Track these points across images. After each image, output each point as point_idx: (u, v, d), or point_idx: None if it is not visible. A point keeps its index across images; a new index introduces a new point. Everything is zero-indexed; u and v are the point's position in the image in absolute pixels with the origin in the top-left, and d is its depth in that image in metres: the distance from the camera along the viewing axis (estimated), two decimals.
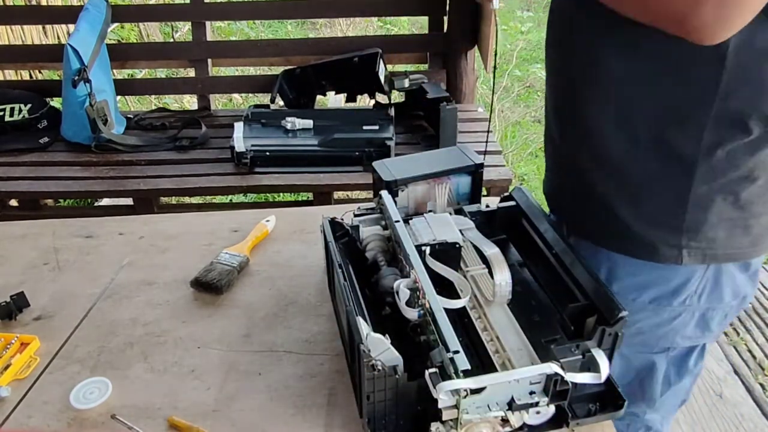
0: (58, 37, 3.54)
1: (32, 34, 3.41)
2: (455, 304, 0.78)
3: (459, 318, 0.82)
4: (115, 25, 3.55)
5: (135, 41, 4.10)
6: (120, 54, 2.54)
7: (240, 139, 2.13)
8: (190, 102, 3.52)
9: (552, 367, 0.68)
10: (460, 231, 0.88)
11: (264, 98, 2.60)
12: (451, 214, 0.94)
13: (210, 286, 1.02)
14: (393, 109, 2.30)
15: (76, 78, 2.17)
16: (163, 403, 0.83)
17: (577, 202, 0.92)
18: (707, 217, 0.80)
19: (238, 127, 2.18)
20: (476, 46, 2.52)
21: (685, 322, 0.89)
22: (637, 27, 0.68)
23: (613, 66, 0.76)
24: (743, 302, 0.91)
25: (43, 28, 3.48)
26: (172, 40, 4.16)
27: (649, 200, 0.82)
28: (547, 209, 0.95)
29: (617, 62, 0.75)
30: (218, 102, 3.69)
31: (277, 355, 0.90)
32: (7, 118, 2.33)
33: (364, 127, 2.18)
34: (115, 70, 2.52)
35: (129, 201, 2.22)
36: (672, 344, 0.92)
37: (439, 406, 0.66)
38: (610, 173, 0.83)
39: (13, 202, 2.43)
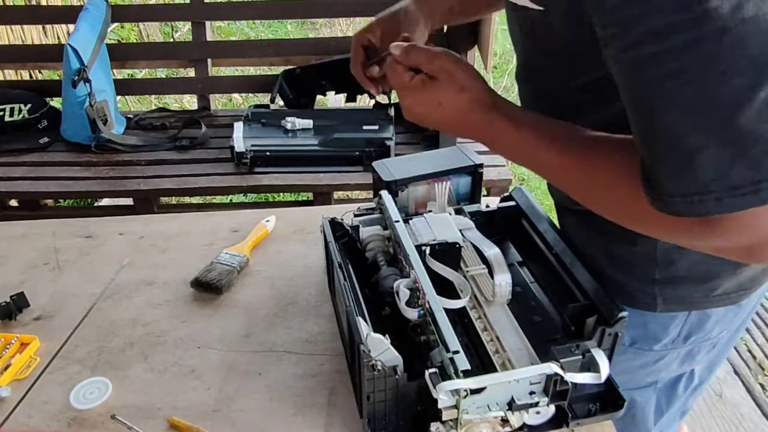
0: (58, 37, 3.54)
1: (32, 34, 3.40)
2: (455, 304, 0.78)
3: (459, 318, 0.82)
4: (115, 25, 3.54)
5: (135, 41, 4.09)
6: (120, 54, 2.54)
7: (240, 139, 2.13)
8: (190, 102, 3.52)
9: (552, 367, 0.68)
10: (460, 231, 0.88)
11: (264, 98, 2.60)
12: (451, 214, 0.94)
13: (210, 286, 1.02)
14: (393, 109, 2.29)
15: (76, 78, 2.17)
16: (163, 403, 0.83)
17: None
18: (679, 269, 0.76)
19: (238, 127, 2.18)
20: (476, 46, 2.52)
21: (669, 361, 0.86)
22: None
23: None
24: (736, 333, 0.88)
25: (43, 28, 3.48)
26: (172, 40, 4.16)
27: (621, 252, 0.78)
28: (547, 210, 0.94)
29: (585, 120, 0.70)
30: (218, 102, 3.68)
31: (277, 355, 0.90)
32: (7, 118, 2.33)
33: (364, 127, 2.18)
34: (115, 70, 2.52)
35: (129, 201, 2.22)
36: (657, 378, 0.90)
37: (439, 406, 0.66)
38: (582, 220, 0.82)
39: (13, 202, 2.43)
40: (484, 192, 1.09)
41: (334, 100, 3.01)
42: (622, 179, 0.60)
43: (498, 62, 4.05)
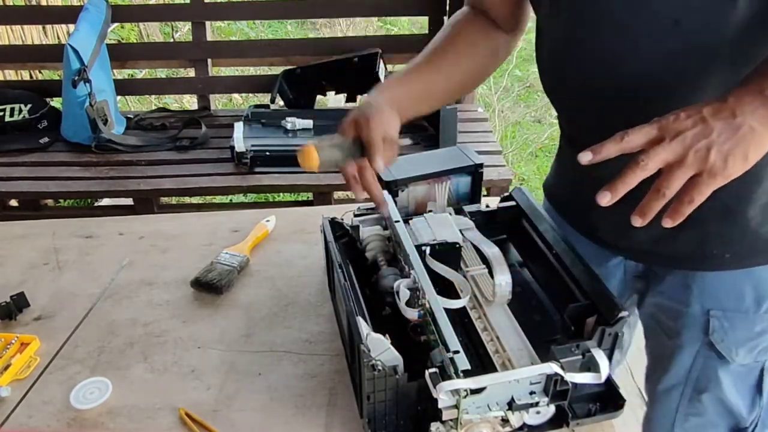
0: (58, 37, 3.54)
1: (32, 34, 3.40)
2: (455, 304, 0.78)
3: (459, 318, 0.82)
4: (115, 25, 3.54)
5: (135, 41, 4.09)
6: (120, 54, 2.54)
7: (240, 139, 2.13)
8: (190, 102, 3.52)
9: (552, 367, 0.68)
10: (460, 231, 0.88)
11: (264, 98, 2.60)
12: (451, 214, 0.94)
13: (210, 286, 1.02)
14: None
15: (76, 78, 2.17)
16: (163, 403, 0.83)
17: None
18: None
19: (238, 127, 2.18)
20: None
21: None
22: None
23: None
24: None
25: (43, 28, 3.48)
26: (172, 40, 4.16)
27: None
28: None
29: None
30: (218, 102, 3.68)
31: (277, 355, 0.90)
32: (7, 118, 2.33)
33: None
34: (115, 70, 2.52)
35: (129, 201, 2.22)
36: None
37: (439, 406, 0.66)
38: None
39: (13, 202, 2.43)
40: (484, 192, 1.08)
41: (334, 100, 3.01)
42: None
43: None
